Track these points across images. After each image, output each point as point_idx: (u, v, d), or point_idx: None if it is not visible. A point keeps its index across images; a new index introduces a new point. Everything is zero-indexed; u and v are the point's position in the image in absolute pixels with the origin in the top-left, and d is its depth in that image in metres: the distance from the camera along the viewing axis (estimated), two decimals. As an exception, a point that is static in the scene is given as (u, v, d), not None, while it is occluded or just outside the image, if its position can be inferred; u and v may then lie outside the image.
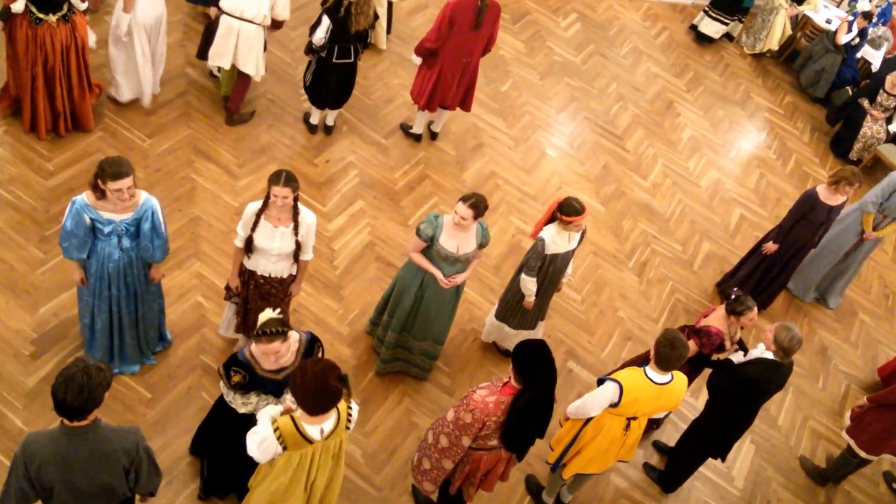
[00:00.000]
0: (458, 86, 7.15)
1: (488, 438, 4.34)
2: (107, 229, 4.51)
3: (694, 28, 10.73)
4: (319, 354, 4.32)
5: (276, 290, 5.05)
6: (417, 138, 7.65)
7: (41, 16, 5.73)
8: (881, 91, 9.32)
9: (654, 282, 7.36)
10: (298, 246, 4.86)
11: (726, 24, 10.54)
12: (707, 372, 5.58)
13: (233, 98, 6.94)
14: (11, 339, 5.23)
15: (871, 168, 9.60)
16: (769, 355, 5.08)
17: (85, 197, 4.44)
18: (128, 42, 6.36)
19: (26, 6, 5.68)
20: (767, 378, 5.07)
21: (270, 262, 4.89)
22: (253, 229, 4.74)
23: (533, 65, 9.18)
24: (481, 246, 5.24)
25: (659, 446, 6.07)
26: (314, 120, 7.29)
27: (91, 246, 4.58)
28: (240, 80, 6.83)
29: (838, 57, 10.31)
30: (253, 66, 6.61)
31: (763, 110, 10.11)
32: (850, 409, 6.21)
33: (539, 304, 5.76)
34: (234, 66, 6.79)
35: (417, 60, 7.11)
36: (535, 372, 4.10)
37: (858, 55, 10.53)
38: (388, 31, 8.51)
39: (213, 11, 6.51)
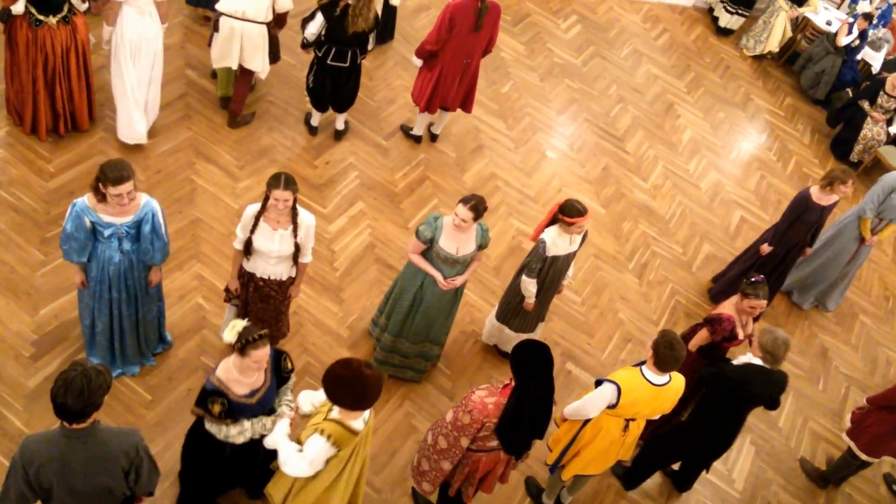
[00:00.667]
0: (459, 87, 7.15)
1: (487, 440, 4.35)
2: (107, 232, 4.51)
3: (715, 21, 11.08)
4: (289, 365, 4.25)
5: (276, 293, 5.05)
6: (418, 140, 7.65)
7: (41, 18, 5.73)
8: (881, 93, 9.32)
9: (655, 284, 7.36)
10: (297, 248, 4.86)
11: (745, 17, 10.90)
12: None
13: (235, 100, 6.93)
14: (12, 341, 5.24)
15: (871, 170, 9.60)
16: (758, 362, 5.08)
17: (85, 200, 4.44)
18: (114, 59, 6.10)
19: (26, 8, 5.69)
20: (749, 380, 5.04)
21: (269, 264, 4.89)
22: (252, 231, 4.74)
23: (533, 66, 9.18)
24: (481, 247, 5.24)
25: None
26: (315, 121, 7.29)
27: (91, 249, 4.58)
28: (241, 80, 6.80)
29: (839, 59, 10.31)
30: (260, 63, 6.58)
31: (763, 112, 10.11)
32: (850, 411, 6.21)
33: (539, 306, 5.76)
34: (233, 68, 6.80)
35: (418, 62, 7.12)
36: (534, 370, 4.11)
37: (859, 57, 10.52)
38: (390, 34, 8.50)
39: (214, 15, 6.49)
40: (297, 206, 4.74)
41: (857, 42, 10.27)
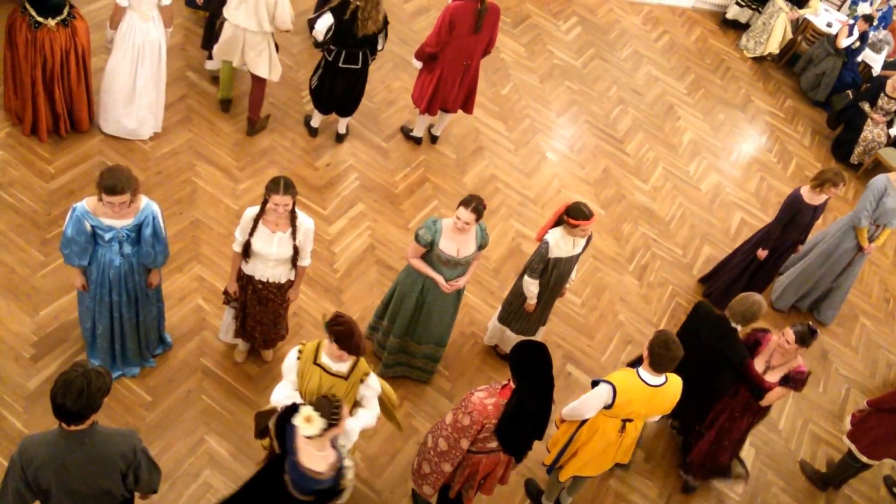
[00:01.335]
0: (460, 89, 7.15)
1: (487, 441, 4.35)
2: (108, 236, 4.51)
3: (725, 20, 11.28)
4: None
5: (274, 296, 5.05)
6: (418, 141, 7.65)
7: (40, 20, 5.73)
8: (882, 94, 9.32)
9: (655, 285, 7.36)
10: (296, 251, 4.86)
11: (756, 12, 11.07)
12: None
13: (251, 108, 6.92)
14: (12, 342, 5.24)
15: (871, 171, 9.59)
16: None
17: (85, 203, 4.44)
18: (113, 58, 6.15)
19: (26, 9, 5.70)
20: (697, 328, 5.29)
21: (268, 267, 4.89)
22: (251, 234, 4.74)
23: (533, 68, 9.18)
24: (481, 247, 5.25)
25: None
26: (315, 123, 7.29)
27: (92, 252, 4.58)
28: (255, 87, 6.79)
29: (839, 60, 10.32)
30: (265, 68, 6.59)
31: (764, 114, 10.11)
32: (850, 413, 6.20)
33: (541, 308, 5.76)
34: (232, 69, 6.81)
35: (418, 65, 7.12)
36: (532, 371, 4.11)
37: (859, 59, 10.53)
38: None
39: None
40: (297, 210, 4.75)
41: (858, 44, 10.28)
